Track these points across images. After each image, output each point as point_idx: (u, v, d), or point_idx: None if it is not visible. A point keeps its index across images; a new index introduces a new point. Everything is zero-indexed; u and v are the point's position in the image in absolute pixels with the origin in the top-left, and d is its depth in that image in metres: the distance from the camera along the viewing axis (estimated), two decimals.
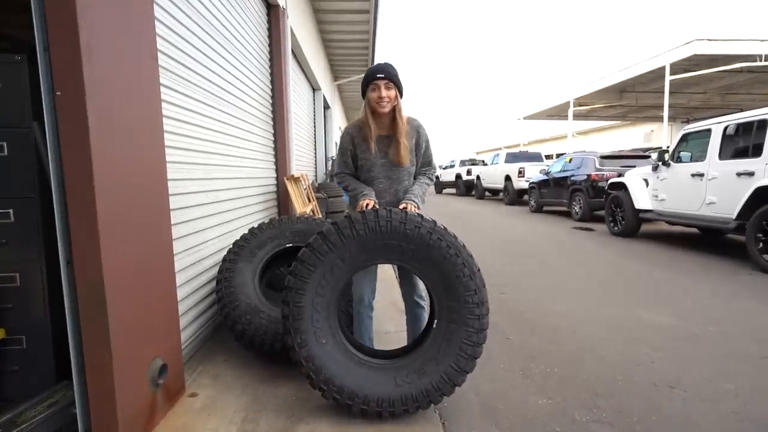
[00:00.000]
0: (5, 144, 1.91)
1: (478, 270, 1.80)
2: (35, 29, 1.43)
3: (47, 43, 1.43)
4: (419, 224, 1.73)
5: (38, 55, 1.44)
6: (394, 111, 2.01)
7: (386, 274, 3.86)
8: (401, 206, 1.94)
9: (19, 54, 1.90)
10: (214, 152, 2.96)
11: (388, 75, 1.96)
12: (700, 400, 2.07)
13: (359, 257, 1.76)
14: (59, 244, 1.52)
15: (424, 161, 2.17)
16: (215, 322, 2.87)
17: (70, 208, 1.49)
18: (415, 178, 2.18)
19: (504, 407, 2.02)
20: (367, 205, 1.92)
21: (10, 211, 1.94)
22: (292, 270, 1.75)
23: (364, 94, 2.03)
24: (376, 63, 2.08)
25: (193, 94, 2.59)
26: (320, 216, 5.97)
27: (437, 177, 22.52)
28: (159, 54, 2.14)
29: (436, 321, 1.81)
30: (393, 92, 1.98)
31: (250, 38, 4.04)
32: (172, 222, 2.27)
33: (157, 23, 2.04)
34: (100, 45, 1.52)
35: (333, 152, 11.83)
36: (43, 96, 1.45)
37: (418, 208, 1.98)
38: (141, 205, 1.76)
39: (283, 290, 1.82)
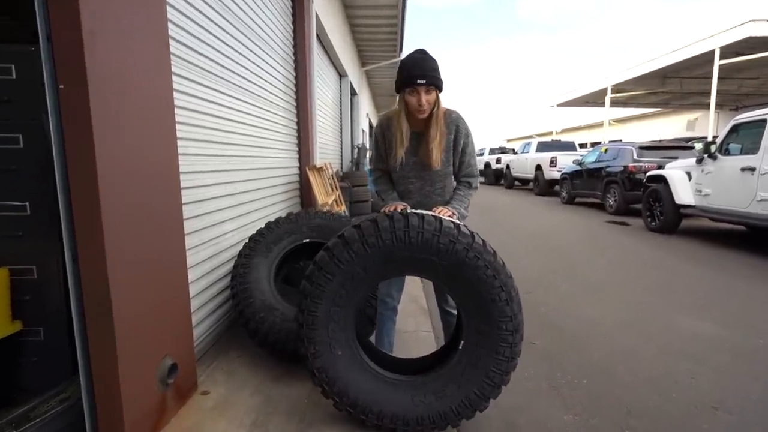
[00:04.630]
0: (21, 136, 1.89)
1: (517, 293, 1.60)
2: (37, 17, 1.37)
3: (49, 32, 1.37)
4: (455, 239, 1.51)
5: (41, 45, 1.38)
6: (432, 114, 1.80)
7: None
8: (436, 210, 1.74)
9: (34, 44, 1.87)
10: (233, 143, 2.89)
11: (431, 80, 1.71)
12: (746, 426, 1.87)
13: (383, 269, 1.60)
14: (65, 241, 1.48)
15: (462, 162, 1.92)
16: (232, 316, 2.84)
17: (74, 205, 1.45)
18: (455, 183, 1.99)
19: (526, 423, 1.89)
20: (395, 209, 1.73)
21: (27, 204, 1.93)
22: (308, 275, 1.64)
23: (398, 89, 1.80)
24: (412, 53, 1.80)
25: (209, 83, 2.52)
26: (344, 206, 5.90)
27: None
28: (171, 41, 2.07)
29: (462, 342, 1.66)
30: (434, 96, 1.76)
31: (273, 24, 3.94)
32: (187, 216, 2.23)
33: (169, 8, 1.96)
34: (105, 33, 1.45)
35: (360, 140, 11.69)
36: (46, 88, 1.39)
37: (455, 216, 1.76)
38: (150, 200, 1.70)
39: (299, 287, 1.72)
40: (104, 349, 1.51)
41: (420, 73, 1.72)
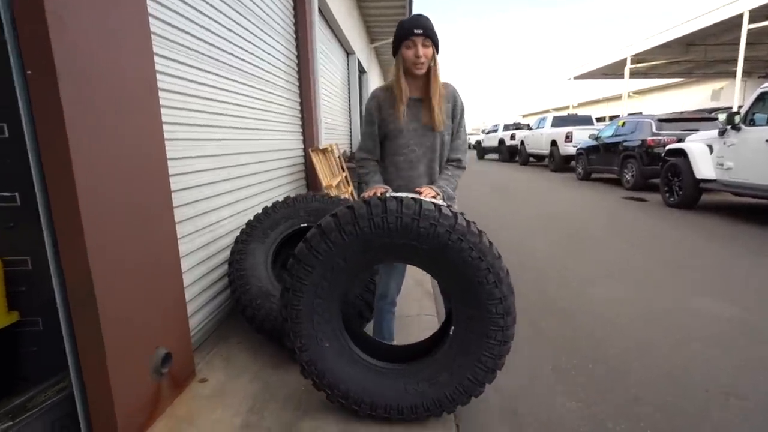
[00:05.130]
0: (5, 126, 1.85)
1: (507, 274, 1.53)
2: (0, 1, 1.30)
3: (13, 16, 1.31)
4: (435, 221, 1.44)
5: (5, 30, 1.32)
6: (430, 71, 1.78)
7: None
8: (419, 190, 1.70)
9: None
10: (229, 126, 2.83)
11: (426, 30, 1.72)
12: (762, 413, 1.78)
13: (364, 257, 1.54)
14: (44, 233, 1.45)
15: (454, 138, 1.91)
16: (232, 302, 2.83)
17: (51, 195, 1.41)
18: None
19: (527, 410, 1.83)
20: (375, 193, 1.66)
21: (16, 194, 1.91)
22: (289, 268, 1.59)
23: (395, 52, 1.80)
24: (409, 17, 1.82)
25: (200, 64, 2.44)
26: (351, 187, 5.83)
27: (478, 142, 21.72)
28: (154, 20, 1.99)
29: (452, 328, 1.60)
30: (430, 50, 1.75)
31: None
32: (179, 203, 2.19)
33: None
34: (74, 14, 1.38)
35: None
36: (14, 76, 1.34)
37: (440, 197, 1.72)
38: (134, 188, 1.65)
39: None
40: (91, 342, 1.50)
41: (416, 24, 1.72)
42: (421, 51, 1.72)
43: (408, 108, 1.81)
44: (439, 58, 1.81)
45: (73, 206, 1.39)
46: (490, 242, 1.52)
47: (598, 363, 2.19)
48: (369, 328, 2.33)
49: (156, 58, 1.92)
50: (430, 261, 1.51)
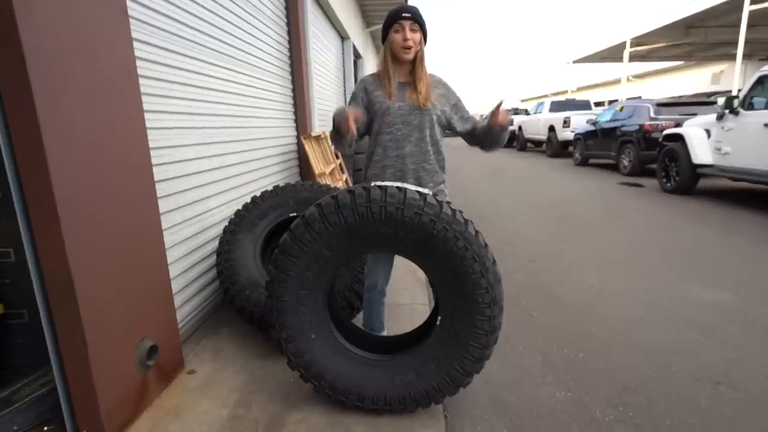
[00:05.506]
0: None
1: (493, 263, 1.51)
2: None
3: None
4: (420, 210, 1.41)
5: None
6: (416, 58, 1.78)
7: None
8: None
9: None
10: (217, 114, 2.77)
11: (415, 15, 1.74)
12: (751, 401, 1.78)
13: (349, 247, 1.51)
14: (21, 227, 1.42)
15: (464, 117, 1.92)
16: (222, 293, 2.81)
17: (25, 186, 1.37)
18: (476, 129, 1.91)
19: (516, 400, 1.83)
20: (348, 120, 1.61)
21: None
22: (274, 260, 1.56)
23: (384, 38, 1.82)
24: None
25: (185, 50, 2.37)
26: (346, 174, 5.78)
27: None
28: (135, 4, 1.93)
29: (439, 318, 1.58)
30: (418, 35, 1.76)
31: None
32: (167, 193, 2.16)
33: None
34: (42, 2, 1.32)
35: None
36: None
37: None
38: (114, 178, 1.61)
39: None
40: (72, 335, 1.48)
41: (404, 9, 1.75)
42: (409, 34, 1.72)
43: (396, 90, 1.81)
44: (434, 44, 1.82)
45: (49, 197, 1.36)
46: (476, 231, 1.49)
47: (588, 352, 2.18)
48: (360, 319, 2.32)
49: (136, 44, 1.86)
50: (416, 251, 1.48)
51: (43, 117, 1.31)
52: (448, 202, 1.50)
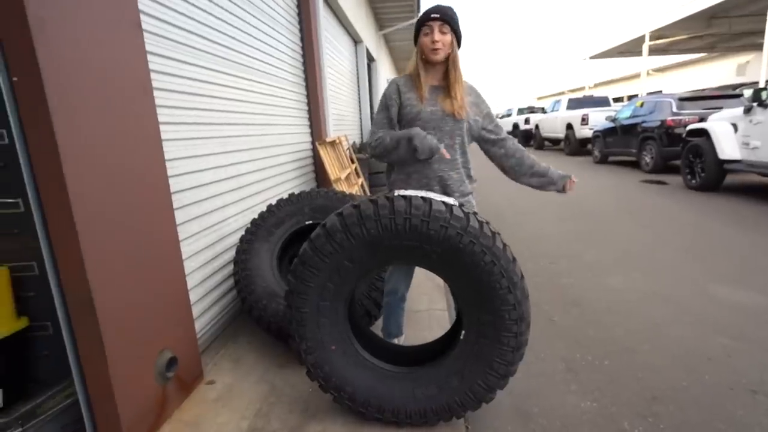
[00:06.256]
0: (5, 132, 1.84)
1: (522, 278, 1.45)
2: None
3: None
4: (446, 224, 1.36)
5: None
6: (449, 60, 1.71)
7: None
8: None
9: None
10: (232, 123, 2.79)
11: (444, 16, 1.67)
12: None
13: (372, 259, 1.48)
14: (41, 241, 1.44)
15: (495, 127, 1.87)
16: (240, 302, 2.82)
17: (44, 202, 1.40)
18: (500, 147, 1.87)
19: (539, 411, 1.77)
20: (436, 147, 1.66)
21: (19, 200, 1.91)
22: (293, 270, 1.54)
23: (416, 40, 1.77)
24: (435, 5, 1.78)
25: (198, 61, 2.39)
26: (362, 178, 5.77)
27: None
28: (149, 18, 1.95)
29: (463, 332, 1.53)
30: (449, 37, 1.69)
31: None
32: (184, 203, 2.18)
33: None
34: (59, 18, 1.34)
35: None
36: (1, 83, 1.31)
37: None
38: (130, 190, 1.62)
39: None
40: (93, 348, 1.49)
41: (434, 9, 1.69)
42: (438, 36, 1.66)
43: (428, 94, 1.75)
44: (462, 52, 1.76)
45: (67, 211, 1.38)
46: (504, 244, 1.43)
47: (613, 359, 2.11)
48: (378, 323, 2.30)
49: (150, 57, 1.88)
50: (441, 264, 1.44)
51: (60, 134, 1.33)
52: (475, 213, 1.45)
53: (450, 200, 1.44)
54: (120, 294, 1.56)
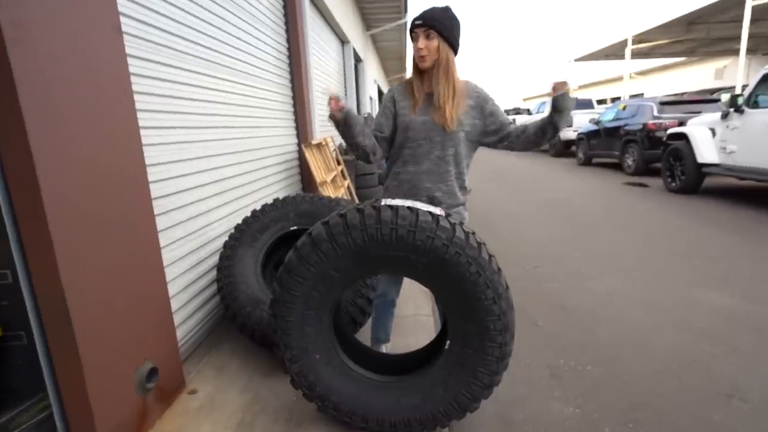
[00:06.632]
0: None
1: (506, 289, 1.45)
2: None
3: None
4: (432, 234, 1.35)
5: None
6: (435, 68, 1.64)
7: None
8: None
9: None
10: (216, 126, 2.74)
11: (427, 21, 1.60)
12: (763, 416, 1.73)
13: (357, 269, 1.46)
14: (12, 248, 1.39)
15: (502, 122, 1.74)
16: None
17: (16, 207, 1.35)
18: (509, 135, 1.75)
19: (523, 418, 1.78)
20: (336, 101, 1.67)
21: None
22: (278, 278, 1.52)
23: None
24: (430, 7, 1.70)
25: (181, 63, 2.35)
26: (348, 180, 5.75)
27: None
28: (129, 20, 1.90)
29: (448, 342, 1.53)
30: (435, 43, 1.62)
31: None
32: (167, 208, 2.13)
33: None
34: (35, 23, 1.30)
35: (368, 109, 11.35)
36: None
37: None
38: (109, 197, 1.58)
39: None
40: (68, 359, 1.45)
41: (418, 15, 1.64)
42: (422, 43, 1.62)
43: (423, 102, 1.71)
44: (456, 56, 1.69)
45: (41, 217, 1.33)
46: (490, 255, 1.43)
47: (596, 364, 2.13)
48: (363, 333, 2.28)
49: (130, 60, 1.83)
50: (427, 275, 1.43)
51: (33, 137, 1.28)
52: (461, 223, 1.45)
53: (437, 210, 1.43)
54: (97, 303, 1.52)
